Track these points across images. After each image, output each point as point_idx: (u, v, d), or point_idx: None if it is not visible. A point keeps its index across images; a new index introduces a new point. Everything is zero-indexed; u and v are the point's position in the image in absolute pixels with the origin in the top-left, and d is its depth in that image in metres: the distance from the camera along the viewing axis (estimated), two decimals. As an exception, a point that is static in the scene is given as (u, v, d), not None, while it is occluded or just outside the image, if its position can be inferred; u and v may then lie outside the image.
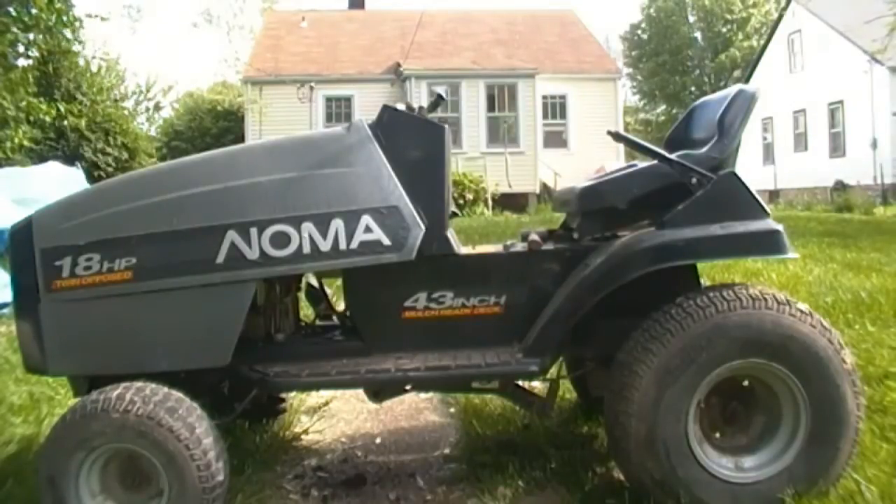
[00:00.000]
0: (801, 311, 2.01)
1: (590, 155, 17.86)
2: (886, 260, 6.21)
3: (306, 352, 2.27)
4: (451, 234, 2.22)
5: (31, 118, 10.66)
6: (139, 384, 1.99)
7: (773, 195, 21.73)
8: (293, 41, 21.71)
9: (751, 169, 21.64)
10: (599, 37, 27.06)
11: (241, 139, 18.91)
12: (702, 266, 2.90)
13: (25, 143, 10.76)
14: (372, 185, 2.11)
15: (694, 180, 2.13)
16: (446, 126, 2.26)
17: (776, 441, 2.05)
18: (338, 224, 2.08)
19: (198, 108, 24.74)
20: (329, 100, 20.02)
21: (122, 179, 2.43)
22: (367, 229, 2.08)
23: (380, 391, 2.35)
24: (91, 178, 11.96)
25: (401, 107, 2.29)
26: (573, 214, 2.45)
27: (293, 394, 3.06)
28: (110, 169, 17.22)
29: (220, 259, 2.07)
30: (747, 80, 24.36)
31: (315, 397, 3.32)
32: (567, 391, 3.01)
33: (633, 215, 2.29)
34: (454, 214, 2.39)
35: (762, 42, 27.84)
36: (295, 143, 2.24)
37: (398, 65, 19.47)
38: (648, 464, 1.99)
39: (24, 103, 9.97)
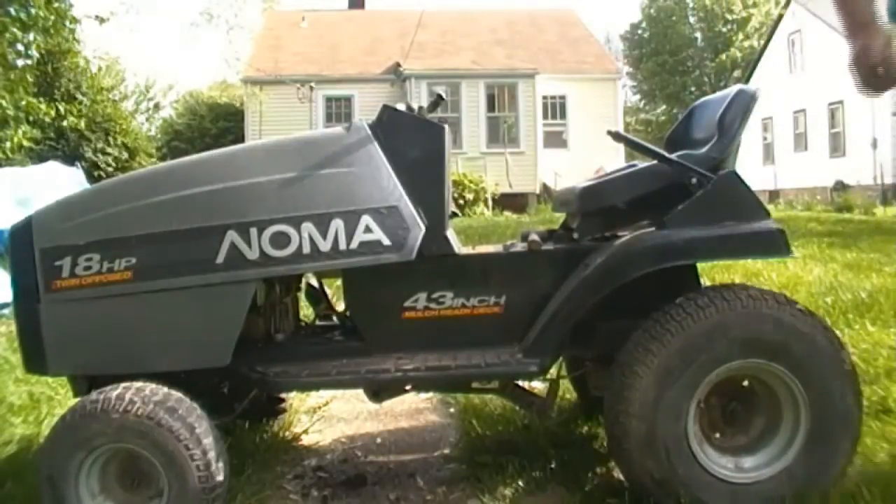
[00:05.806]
0: (801, 311, 2.01)
1: (590, 155, 17.85)
2: (886, 260, 6.19)
3: (306, 352, 2.27)
4: (451, 234, 2.22)
5: (31, 118, 10.64)
6: (139, 384, 1.99)
7: (773, 195, 21.72)
8: (293, 41, 21.71)
9: (751, 169, 21.64)
10: (599, 37, 27.11)
11: (241, 139, 18.90)
12: (702, 266, 2.90)
13: (25, 143, 10.74)
14: (372, 185, 2.11)
15: (694, 180, 2.13)
16: (446, 126, 2.26)
17: (776, 441, 2.05)
18: (338, 224, 2.07)
19: (198, 108, 24.73)
20: (329, 100, 20.02)
21: (122, 179, 2.43)
22: (367, 229, 2.08)
23: (380, 391, 2.35)
24: (91, 178, 11.94)
25: (401, 107, 2.29)
26: (573, 214, 2.44)
27: (293, 394, 3.06)
28: (110, 169, 17.22)
29: (220, 259, 2.06)
30: (747, 80, 24.38)
31: (315, 397, 3.31)
32: (567, 391, 3.01)
33: (633, 215, 2.29)
34: (454, 214, 2.39)
35: (762, 42, 27.84)
36: (295, 143, 2.24)
37: (398, 65, 19.46)
38: (648, 464, 1.99)
39: (23, 103, 9.94)
